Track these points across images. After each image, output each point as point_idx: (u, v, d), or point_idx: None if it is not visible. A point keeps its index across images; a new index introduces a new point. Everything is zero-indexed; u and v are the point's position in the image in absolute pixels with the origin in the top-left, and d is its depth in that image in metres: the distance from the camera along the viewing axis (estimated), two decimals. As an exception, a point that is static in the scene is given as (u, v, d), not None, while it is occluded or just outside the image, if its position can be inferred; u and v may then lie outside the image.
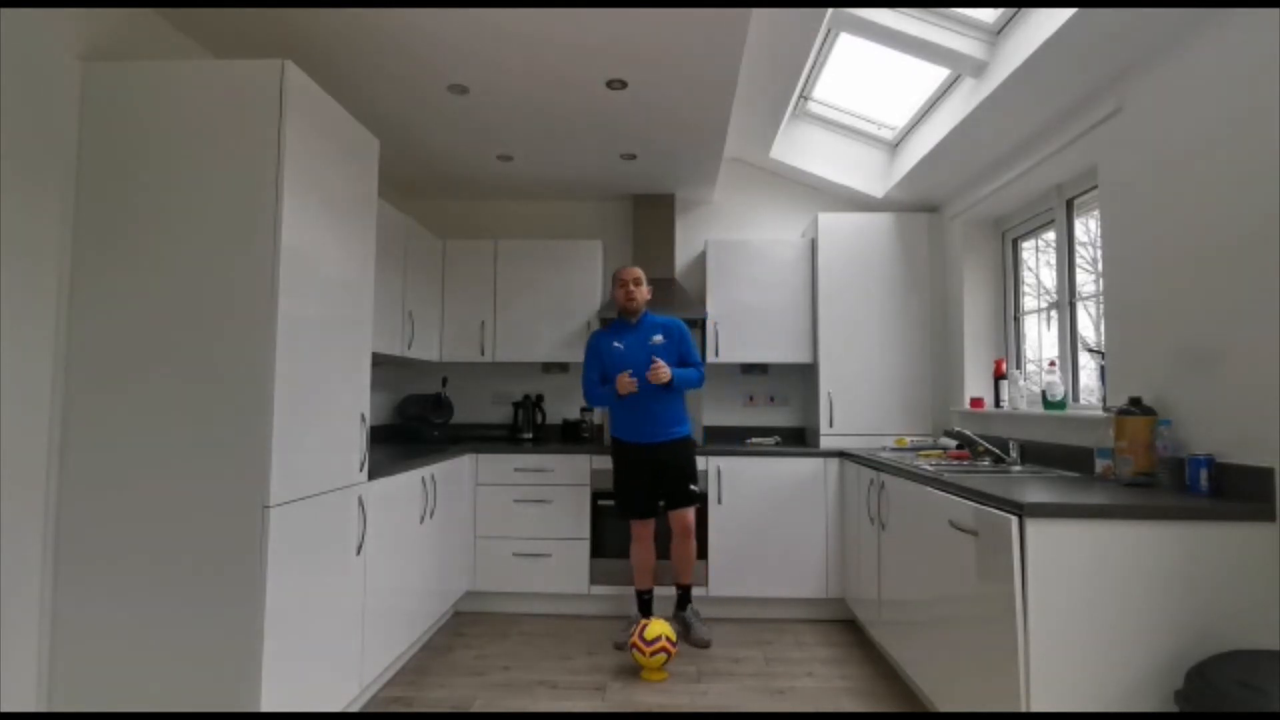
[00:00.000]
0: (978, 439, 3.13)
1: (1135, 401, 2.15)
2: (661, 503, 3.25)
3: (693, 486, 3.22)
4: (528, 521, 3.63)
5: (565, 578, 3.58)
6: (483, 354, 4.01)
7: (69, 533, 1.91)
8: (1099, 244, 2.60)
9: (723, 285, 3.92)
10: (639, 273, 3.24)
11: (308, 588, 2.09)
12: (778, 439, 4.03)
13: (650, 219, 4.16)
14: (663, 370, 3.05)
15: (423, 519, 3.02)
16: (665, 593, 3.51)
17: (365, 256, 2.49)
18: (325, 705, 2.20)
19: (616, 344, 3.22)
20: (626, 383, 3.06)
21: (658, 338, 3.21)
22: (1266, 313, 1.80)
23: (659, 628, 2.80)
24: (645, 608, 3.29)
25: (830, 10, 2.64)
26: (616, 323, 3.32)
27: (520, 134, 3.32)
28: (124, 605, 1.89)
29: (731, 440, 4.11)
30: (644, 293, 3.23)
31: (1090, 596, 1.76)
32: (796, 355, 3.90)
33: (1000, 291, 3.56)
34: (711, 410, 4.21)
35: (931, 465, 2.81)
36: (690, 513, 3.21)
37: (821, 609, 3.58)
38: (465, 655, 3.06)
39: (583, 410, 4.18)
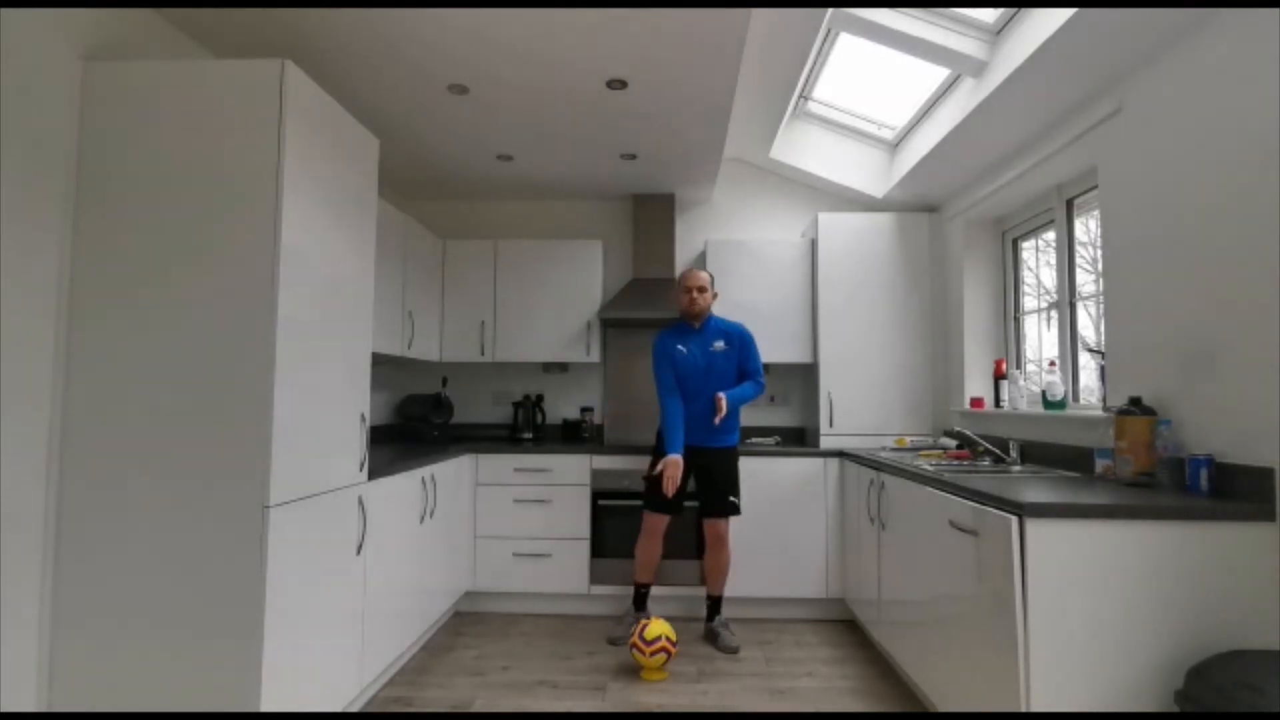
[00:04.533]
0: (978, 439, 3.13)
1: (1135, 401, 2.15)
2: (691, 504, 3.25)
3: (733, 498, 3.20)
4: (528, 521, 3.62)
5: (565, 578, 3.58)
6: (483, 354, 4.01)
7: (69, 533, 1.91)
8: (1099, 244, 2.60)
9: (723, 285, 3.91)
10: (704, 280, 3.21)
11: (308, 588, 2.08)
12: (778, 439, 4.03)
13: (650, 219, 4.16)
14: (721, 411, 3.05)
15: (423, 519, 3.02)
16: (660, 592, 3.52)
17: (365, 256, 2.49)
18: (325, 705, 2.20)
19: (680, 347, 3.22)
20: (671, 478, 3.00)
21: (719, 344, 3.21)
22: (1266, 313, 1.80)
23: (659, 628, 2.80)
24: (640, 601, 3.30)
25: (830, 10, 2.64)
26: (680, 325, 3.30)
27: (520, 134, 3.32)
28: (124, 605, 1.89)
29: (731, 440, 4.10)
30: (707, 299, 3.21)
31: (1090, 596, 1.76)
32: (796, 355, 3.90)
33: (1000, 291, 3.56)
34: (711, 410, 4.20)
35: (931, 465, 2.81)
36: (724, 522, 3.21)
37: (821, 609, 3.58)
38: (465, 655, 3.06)
39: (583, 410, 4.18)
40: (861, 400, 3.75)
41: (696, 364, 3.18)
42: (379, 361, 3.70)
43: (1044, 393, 2.83)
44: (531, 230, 4.39)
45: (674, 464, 3.03)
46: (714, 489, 3.19)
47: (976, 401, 3.41)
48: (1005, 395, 3.27)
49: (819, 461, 3.56)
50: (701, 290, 3.19)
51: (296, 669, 2.03)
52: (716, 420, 3.09)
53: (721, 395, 3.08)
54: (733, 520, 3.47)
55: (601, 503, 3.60)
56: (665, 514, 3.22)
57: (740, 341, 3.23)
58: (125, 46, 2.14)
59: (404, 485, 2.83)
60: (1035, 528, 1.78)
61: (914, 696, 2.65)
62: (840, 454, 3.55)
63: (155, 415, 1.92)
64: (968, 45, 2.64)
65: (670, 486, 3.01)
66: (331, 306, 2.23)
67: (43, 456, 1.89)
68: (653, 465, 3.24)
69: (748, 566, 3.51)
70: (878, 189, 3.85)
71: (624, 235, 4.36)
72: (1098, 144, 2.49)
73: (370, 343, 2.53)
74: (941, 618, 2.27)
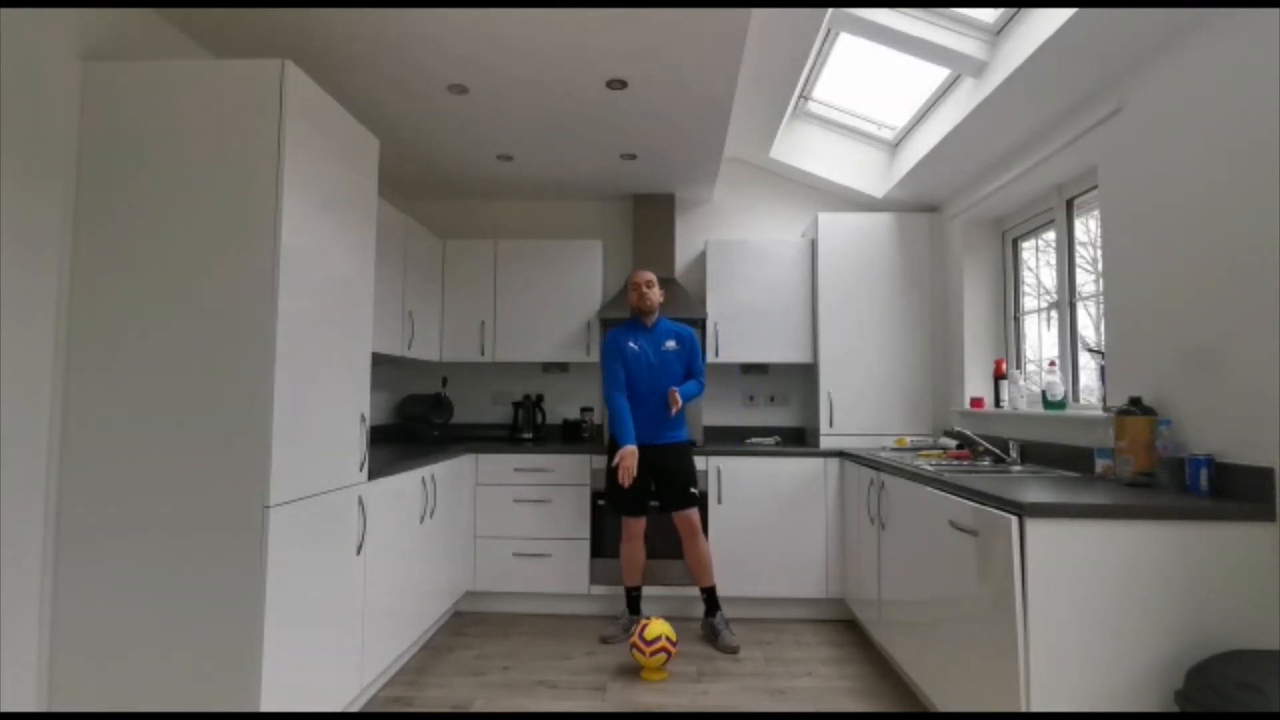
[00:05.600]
0: (978, 439, 3.13)
1: (1135, 401, 2.15)
2: (655, 503, 3.29)
3: (692, 489, 3.26)
4: (528, 521, 3.63)
5: (565, 577, 3.59)
6: (483, 354, 4.01)
7: (69, 533, 1.91)
8: (1099, 244, 2.60)
9: (723, 285, 3.92)
10: (651, 276, 3.33)
11: (308, 588, 2.09)
12: (778, 439, 4.03)
13: (650, 219, 4.16)
14: (677, 404, 3.17)
15: (423, 519, 3.02)
16: (656, 593, 3.52)
17: (365, 256, 2.49)
18: (325, 705, 2.20)
19: (632, 345, 3.28)
20: (628, 469, 3.06)
21: (671, 344, 3.31)
22: (1266, 313, 1.80)
23: (659, 628, 2.80)
24: (634, 605, 3.33)
25: (830, 10, 2.64)
26: (631, 322, 3.36)
27: (520, 134, 3.32)
28: (124, 605, 1.89)
29: (731, 440, 4.11)
30: (656, 294, 3.31)
31: (1090, 596, 1.76)
32: (796, 355, 3.90)
33: (1000, 291, 3.56)
34: (711, 410, 4.21)
35: (931, 465, 2.81)
36: (693, 513, 3.25)
37: (821, 609, 3.58)
38: (465, 655, 3.06)
39: (583, 410, 4.18)
40: (861, 400, 3.75)
41: (649, 361, 3.26)
42: (379, 361, 3.71)
43: (1044, 393, 2.83)
44: (531, 230, 4.39)
45: (630, 454, 3.08)
46: (674, 483, 3.24)
47: (976, 401, 3.41)
48: (1005, 395, 3.27)
49: (819, 461, 3.56)
50: (650, 285, 3.29)
51: (296, 669, 2.03)
52: (673, 412, 3.19)
53: (675, 389, 3.19)
54: (730, 519, 3.48)
55: (601, 503, 3.60)
56: (637, 516, 3.28)
57: (690, 343, 3.34)
58: (125, 46, 2.14)
59: (404, 485, 2.83)
60: (1035, 528, 1.78)
61: (914, 696, 2.65)
62: (840, 454, 3.55)
63: (155, 415, 1.91)
64: (968, 45, 2.64)
65: (626, 477, 3.05)
66: (331, 306, 2.23)
67: (43, 454, 1.89)
68: (610, 466, 3.27)
69: (748, 566, 3.52)
70: (878, 189, 3.85)
71: (624, 235, 4.36)
72: (1098, 144, 2.49)
73: (370, 343, 2.53)
74: (941, 618, 2.27)
